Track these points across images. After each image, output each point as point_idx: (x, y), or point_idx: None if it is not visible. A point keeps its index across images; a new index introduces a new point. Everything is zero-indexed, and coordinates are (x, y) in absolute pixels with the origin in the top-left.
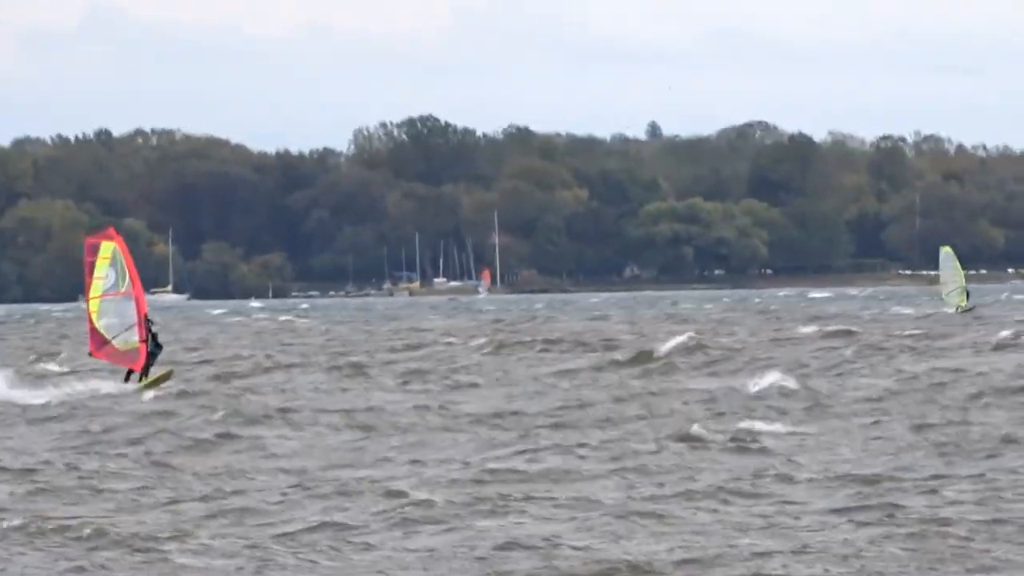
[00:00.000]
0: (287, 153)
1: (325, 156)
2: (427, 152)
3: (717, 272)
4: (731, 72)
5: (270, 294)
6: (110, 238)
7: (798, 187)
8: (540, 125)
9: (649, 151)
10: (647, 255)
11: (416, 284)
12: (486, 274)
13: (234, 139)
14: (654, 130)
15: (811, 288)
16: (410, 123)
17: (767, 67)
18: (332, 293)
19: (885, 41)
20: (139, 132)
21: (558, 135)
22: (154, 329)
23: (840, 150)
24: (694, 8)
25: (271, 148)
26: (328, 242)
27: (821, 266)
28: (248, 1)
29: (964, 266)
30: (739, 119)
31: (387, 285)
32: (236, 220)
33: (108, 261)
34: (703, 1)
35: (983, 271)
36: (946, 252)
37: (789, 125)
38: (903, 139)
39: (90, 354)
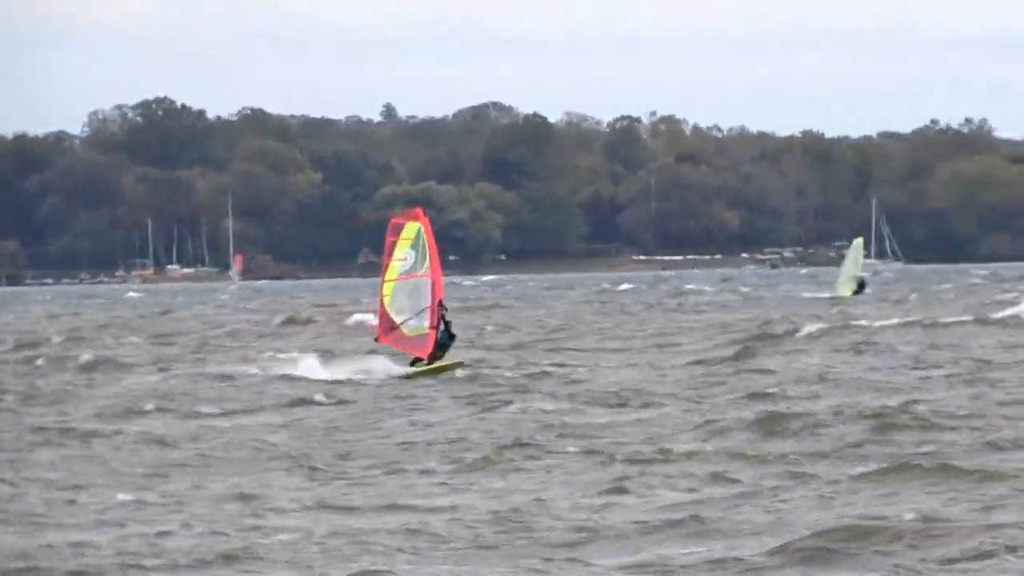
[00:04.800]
0: (24, 136)
1: (60, 139)
2: (162, 135)
3: (452, 257)
4: (468, 55)
5: (3, 281)
6: (416, 218)
7: (533, 169)
8: (276, 108)
9: (384, 133)
10: (381, 240)
11: (150, 271)
12: (238, 260)
13: None
14: (389, 112)
15: (546, 274)
16: (145, 105)
17: (503, 49)
18: (66, 280)
19: (622, 25)
20: None
21: (292, 117)
22: (447, 317)
23: (575, 131)
24: None
25: (8, 131)
26: (63, 228)
27: (555, 250)
28: None
29: (699, 250)
30: (476, 101)
31: (120, 272)
32: None
33: (410, 242)
34: None
35: (718, 256)
36: (856, 243)
37: (526, 106)
38: (638, 120)
39: (376, 339)
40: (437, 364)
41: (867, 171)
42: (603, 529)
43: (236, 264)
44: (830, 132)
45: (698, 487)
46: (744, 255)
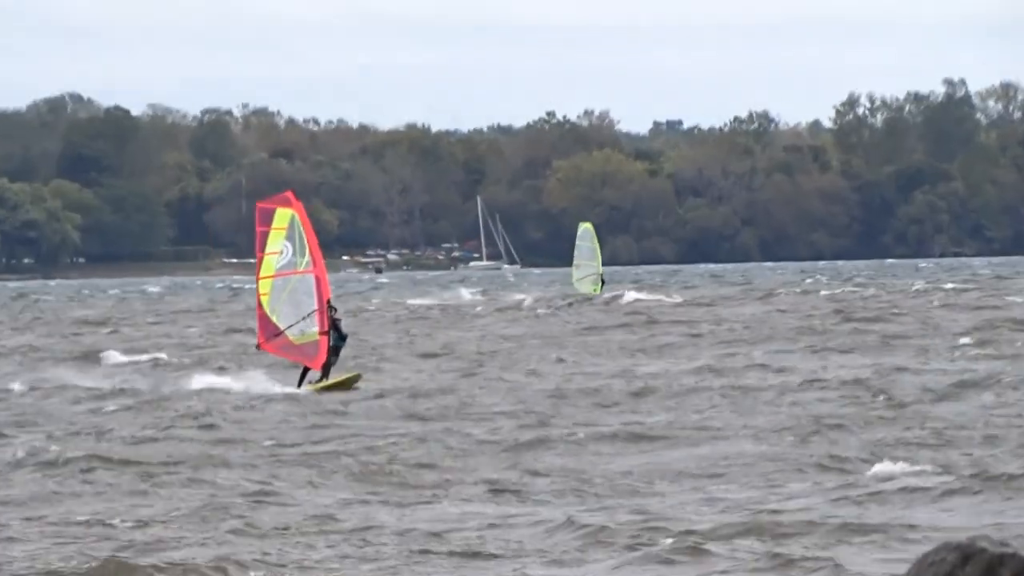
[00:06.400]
0: None
1: None
2: None
3: (27, 261)
4: (43, 45)
5: None
6: (287, 204)
7: (115, 166)
8: None
9: None
10: None
11: None
12: None
13: None
14: None
15: (133, 277)
16: None
17: (80, 39)
18: None
19: (206, 13)
20: None
21: None
22: (336, 316)
23: (160, 125)
24: None
25: None
26: None
27: (140, 253)
28: None
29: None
30: (55, 91)
31: None
32: None
33: (284, 232)
34: None
35: None
36: (585, 228)
37: (107, 99)
38: (229, 113)
39: (257, 347)
40: (334, 379)
41: (478, 168)
42: None
43: None
44: (437, 126)
45: None
46: (345, 258)
